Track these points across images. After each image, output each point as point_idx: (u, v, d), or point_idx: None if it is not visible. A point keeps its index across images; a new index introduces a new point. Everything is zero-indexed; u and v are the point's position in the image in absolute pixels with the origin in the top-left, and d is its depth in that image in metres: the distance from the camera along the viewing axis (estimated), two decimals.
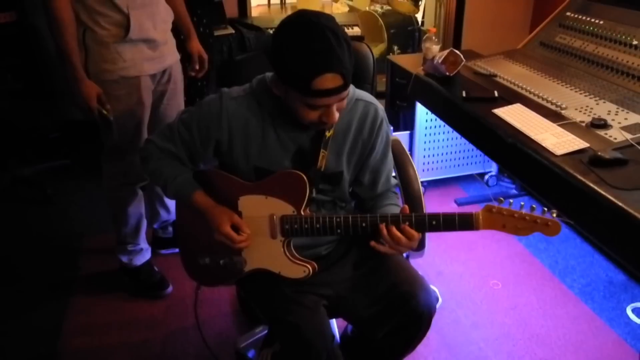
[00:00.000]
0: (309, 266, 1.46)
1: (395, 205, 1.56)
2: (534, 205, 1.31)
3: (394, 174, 1.71)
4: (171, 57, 2.20)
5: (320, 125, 1.37)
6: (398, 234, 1.36)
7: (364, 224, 1.39)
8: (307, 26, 1.25)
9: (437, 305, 1.53)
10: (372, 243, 1.39)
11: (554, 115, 2.01)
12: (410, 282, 1.49)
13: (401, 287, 1.48)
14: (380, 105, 1.52)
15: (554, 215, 1.30)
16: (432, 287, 1.54)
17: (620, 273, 2.50)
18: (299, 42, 1.24)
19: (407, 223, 1.36)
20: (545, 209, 1.32)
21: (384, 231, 1.36)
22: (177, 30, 2.29)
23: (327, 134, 1.43)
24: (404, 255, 1.77)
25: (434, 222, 1.36)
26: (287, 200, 1.43)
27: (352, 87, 1.49)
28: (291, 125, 1.43)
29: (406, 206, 1.42)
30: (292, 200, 1.42)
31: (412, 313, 1.46)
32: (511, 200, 1.33)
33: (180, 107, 2.29)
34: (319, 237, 1.49)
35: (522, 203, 1.33)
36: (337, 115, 1.34)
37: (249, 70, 1.57)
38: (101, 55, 1.96)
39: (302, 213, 1.43)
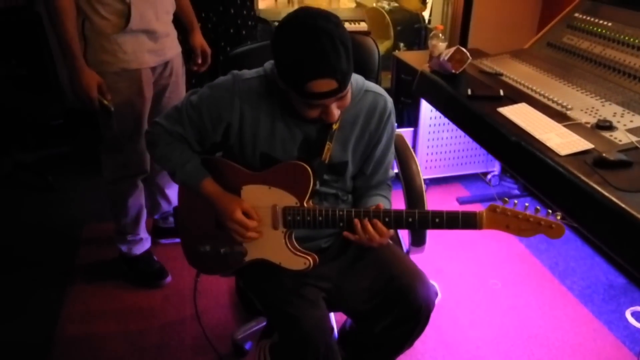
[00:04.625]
0: (310, 258, 1.46)
1: (383, 196, 1.55)
2: (538, 207, 1.31)
3: (396, 170, 1.70)
4: (173, 49, 2.17)
5: (322, 121, 1.37)
6: (370, 228, 1.37)
7: (365, 218, 1.38)
8: (302, 29, 1.24)
9: (437, 300, 1.52)
10: (345, 233, 1.40)
11: (559, 116, 2.00)
12: (409, 276, 1.49)
13: (400, 281, 1.48)
14: (389, 98, 1.51)
15: (558, 217, 1.29)
16: (432, 282, 1.53)
17: (620, 276, 2.50)
18: (293, 47, 1.24)
19: (384, 218, 1.37)
20: (550, 211, 1.31)
21: (358, 225, 1.38)
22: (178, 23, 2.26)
23: (334, 126, 1.43)
24: (404, 249, 1.77)
25: (437, 220, 1.35)
26: (291, 191, 1.42)
27: (361, 78, 1.49)
28: (298, 114, 1.42)
29: (380, 204, 1.42)
30: (295, 191, 1.42)
31: (410, 307, 1.46)
32: (516, 201, 1.32)
33: None
34: (320, 229, 1.48)
35: (527, 204, 1.32)
36: (337, 113, 1.34)
37: (251, 62, 1.55)
38: (101, 47, 1.93)
39: (305, 205, 1.42)
